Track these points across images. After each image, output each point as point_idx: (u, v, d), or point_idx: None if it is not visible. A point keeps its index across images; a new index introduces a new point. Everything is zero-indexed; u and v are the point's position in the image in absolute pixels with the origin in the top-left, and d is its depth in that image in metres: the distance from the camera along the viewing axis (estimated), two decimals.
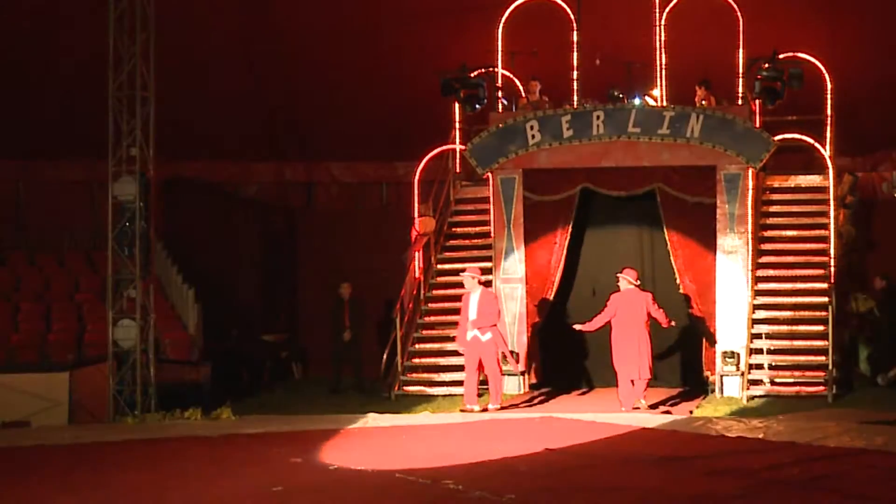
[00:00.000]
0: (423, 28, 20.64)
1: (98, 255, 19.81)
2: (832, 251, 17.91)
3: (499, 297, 17.21)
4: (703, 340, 17.73)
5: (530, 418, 14.83)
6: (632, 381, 15.77)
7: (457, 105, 19.21)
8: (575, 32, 18.60)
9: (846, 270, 19.03)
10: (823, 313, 17.15)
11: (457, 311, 18.43)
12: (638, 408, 15.69)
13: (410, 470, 10.89)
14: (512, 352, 17.71)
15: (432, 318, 18.49)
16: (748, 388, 16.66)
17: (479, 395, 16.13)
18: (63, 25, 19.84)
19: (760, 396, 16.62)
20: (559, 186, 17.97)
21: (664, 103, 18.01)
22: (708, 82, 18.33)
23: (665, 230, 17.72)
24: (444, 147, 19.62)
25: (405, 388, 17.62)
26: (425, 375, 17.88)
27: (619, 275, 16.00)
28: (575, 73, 18.53)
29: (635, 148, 17.62)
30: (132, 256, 15.47)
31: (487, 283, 17.22)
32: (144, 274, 15.55)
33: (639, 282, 16.09)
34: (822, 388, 16.60)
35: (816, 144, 18.42)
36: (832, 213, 18.12)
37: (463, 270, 18.72)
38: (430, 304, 18.59)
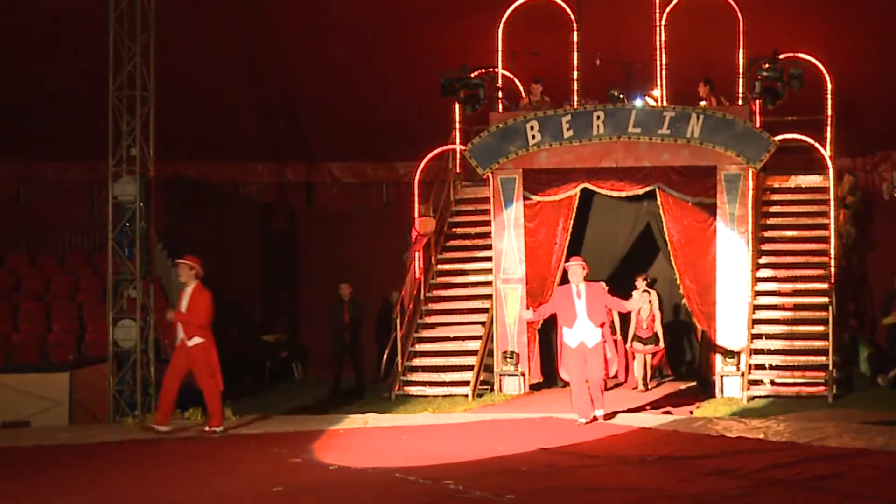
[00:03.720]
0: (423, 28, 20.65)
1: (98, 255, 19.85)
2: (832, 251, 17.92)
3: (212, 297, 14.09)
4: (703, 340, 17.76)
5: (530, 418, 14.81)
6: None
7: (457, 105, 19.23)
8: (575, 32, 18.60)
9: (846, 271, 19.05)
10: (823, 313, 17.16)
11: (458, 311, 18.51)
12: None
13: (410, 470, 10.88)
14: (512, 352, 17.76)
15: (432, 318, 18.49)
16: (748, 389, 16.66)
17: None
18: (63, 25, 19.85)
19: (760, 397, 16.61)
20: (559, 186, 17.97)
21: (664, 103, 18.01)
22: (711, 81, 18.33)
23: (665, 230, 17.73)
24: (445, 147, 19.63)
25: (405, 388, 17.62)
26: (425, 375, 17.88)
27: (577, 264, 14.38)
28: (575, 73, 18.54)
29: (635, 148, 17.62)
30: (132, 256, 15.47)
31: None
32: (144, 274, 15.55)
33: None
34: (822, 388, 16.59)
35: (816, 145, 18.42)
36: (832, 214, 18.13)
37: (463, 271, 18.85)
38: (430, 304, 18.59)
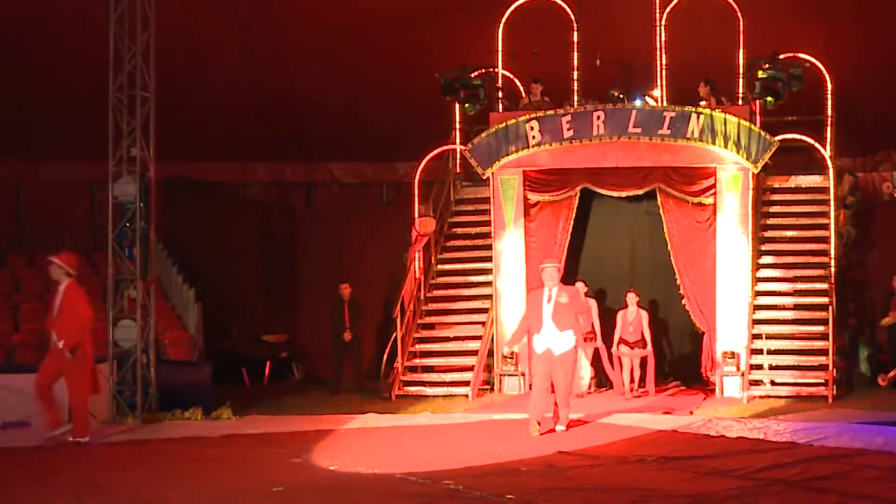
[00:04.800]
0: (423, 28, 20.63)
1: (98, 255, 19.82)
2: (832, 251, 17.92)
3: (84, 294, 13.56)
4: (703, 341, 17.74)
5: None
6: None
7: (457, 105, 19.23)
8: (575, 32, 18.61)
9: (846, 271, 19.04)
10: (823, 313, 17.16)
11: (458, 312, 18.51)
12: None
13: (410, 470, 10.89)
14: (512, 352, 17.74)
15: (432, 319, 18.49)
16: (748, 389, 16.66)
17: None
18: (63, 26, 19.84)
19: (760, 397, 16.61)
20: (559, 186, 17.98)
21: (664, 103, 18.01)
22: (712, 81, 18.33)
23: (665, 230, 17.73)
24: (445, 147, 19.63)
25: (405, 388, 17.62)
26: (425, 375, 17.88)
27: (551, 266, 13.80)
28: (575, 73, 18.54)
29: (635, 148, 17.62)
30: (132, 257, 15.46)
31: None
32: (144, 274, 15.54)
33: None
34: (822, 388, 16.59)
35: (816, 145, 18.41)
36: (832, 214, 18.12)
37: (463, 271, 18.84)
38: (430, 304, 18.59)
